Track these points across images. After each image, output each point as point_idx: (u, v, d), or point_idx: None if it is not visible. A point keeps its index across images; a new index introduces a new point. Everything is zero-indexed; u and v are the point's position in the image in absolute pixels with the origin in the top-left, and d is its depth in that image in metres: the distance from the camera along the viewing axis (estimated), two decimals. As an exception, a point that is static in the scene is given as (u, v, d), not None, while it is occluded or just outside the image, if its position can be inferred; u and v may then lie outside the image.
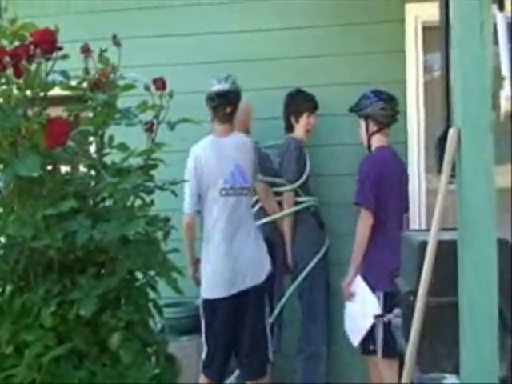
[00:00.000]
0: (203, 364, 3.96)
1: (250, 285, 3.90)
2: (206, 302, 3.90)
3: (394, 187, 4.05)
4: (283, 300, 4.44)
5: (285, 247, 4.46)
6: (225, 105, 4.02)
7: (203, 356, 3.96)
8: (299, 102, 4.55)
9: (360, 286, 3.97)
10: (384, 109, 4.11)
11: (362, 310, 3.94)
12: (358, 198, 4.01)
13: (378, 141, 4.14)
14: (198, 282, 3.98)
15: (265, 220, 4.36)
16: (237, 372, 4.10)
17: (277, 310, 4.37)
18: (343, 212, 4.61)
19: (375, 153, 4.13)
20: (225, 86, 4.02)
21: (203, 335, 3.95)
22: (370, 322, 3.83)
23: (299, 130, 4.56)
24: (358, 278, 3.98)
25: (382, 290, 3.81)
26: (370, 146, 4.18)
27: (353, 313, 4.07)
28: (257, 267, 3.97)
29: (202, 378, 3.97)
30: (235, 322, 3.90)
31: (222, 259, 3.89)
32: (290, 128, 4.59)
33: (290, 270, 4.49)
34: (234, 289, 3.87)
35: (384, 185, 3.98)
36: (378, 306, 3.83)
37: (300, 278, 4.39)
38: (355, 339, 4.03)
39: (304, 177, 4.49)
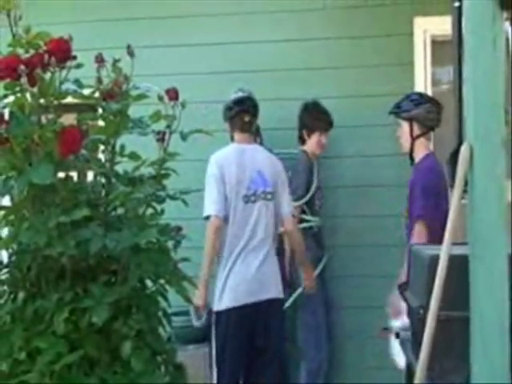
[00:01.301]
0: (219, 381, 3.83)
1: (273, 295, 3.86)
2: (224, 312, 3.80)
3: (446, 197, 3.87)
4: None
5: (284, 262, 4.41)
6: (243, 113, 3.98)
7: (216, 373, 3.84)
8: (313, 119, 4.51)
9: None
10: (431, 112, 3.95)
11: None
12: (418, 211, 3.77)
13: (421, 145, 3.96)
14: (199, 309, 3.88)
15: None
16: None
17: None
18: (341, 224, 4.63)
19: (428, 162, 3.93)
20: (243, 94, 4.02)
21: (215, 349, 3.86)
22: None
23: (310, 145, 4.53)
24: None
25: None
26: (411, 151, 3.99)
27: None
28: (278, 279, 3.95)
29: None
30: (256, 333, 3.83)
31: (247, 267, 3.81)
32: (302, 140, 4.58)
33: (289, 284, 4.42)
34: (257, 297, 3.79)
35: (441, 196, 3.84)
36: None
37: (294, 297, 4.36)
38: (402, 361, 3.76)
39: (310, 194, 4.46)
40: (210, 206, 3.82)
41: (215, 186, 3.82)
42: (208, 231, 3.81)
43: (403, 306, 3.65)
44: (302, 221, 4.44)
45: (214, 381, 3.87)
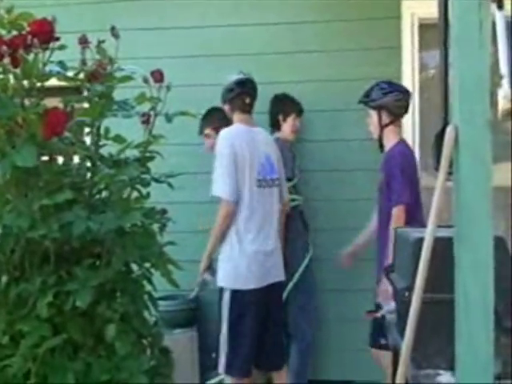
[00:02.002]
0: (230, 363, 3.76)
1: (279, 279, 3.91)
2: (238, 293, 3.74)
3: (417, 183, 4.00)
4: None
5: None
6: (244, 94, 3.95)
7: (225, 356, 3.76)
8: (287, 104, 4.54)
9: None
10: (399, 100, 3.99)
11: None
12: (397, 196, 3.79)
13: (391, 133, 4.00)
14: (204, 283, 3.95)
15: None
16: (222, 376, 3.96)
17: None
18: (331, 208, 4.64)
19: (401, 148, 3.97)
20: (243, 76, 3.99)
21: (226, 330, 3.77)
22: None
23: (286, 130, 4.53)
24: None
25: None
26: (380, 139, 4.04)
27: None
28: (281, 263, 3.98)
29: (233, 379, 3.81)
30: (265, 315, 3.83)
31: (258, 251, 3.80)
32: (276, 126, 4.57)
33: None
34: (267, 280, 3.81)
35: (415, 181, 3.92)
36: None
37: (291, 284, 4.33)
38: None
39: (297, 176, 4.49)
40: (224, 187, 3.74)
41: (228, 166, 3.74)
42: (220, 216, 3.77)
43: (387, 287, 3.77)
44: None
45: (222, 363, 3.78)
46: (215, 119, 4.38)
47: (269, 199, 3.90)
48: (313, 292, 4.50)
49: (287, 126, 4.53)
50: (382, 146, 4.07)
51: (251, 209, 3.81)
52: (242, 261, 3.78)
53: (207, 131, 4.45)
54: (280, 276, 3.93)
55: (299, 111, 4.56)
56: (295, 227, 4.44)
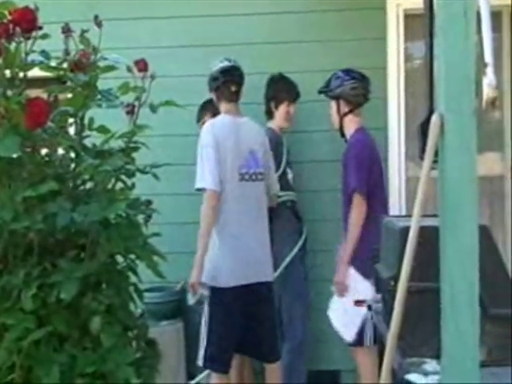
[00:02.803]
0: (209, 358, 3.73)
1: (265, 279, 3.83)
2: (218, 290, 3.71)
3: (380, 170, 4.03)
4: None
5: None
6: (230, 82, 3.89)
7: (204, 351, 3.73)
8: (280, 90, 4.46)
9: (351, 277, 3.86)
10: (355, 88, 4.01)
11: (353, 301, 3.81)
12: (354, 184, 3.84)
13: (350, 122, 4.04)
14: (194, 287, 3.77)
15: None
16: (206, 371, 3.97)
17: None
18: (322, 198, 4.64)
19: (359, 136, 4.01)
20: (229, 64, 3.93)
21: (206, 325, 3.74)
22: (363, 310, 3.61)
23: (278, 118, 4.47)
24: (350, 269, 3.86)
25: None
26: (341, 128, 4.08)
27: (342, 307, 3.93)
28: (271, 260, 3.92)
29: (216, 377, 3.78)
30: (252, 312, 3.78)
31: (239, 247, 3.74)
32: (269, 113, 4.51)
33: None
34: (249, 278, 3.74)
35: (374, 168, 3.94)
36: (371, 292, 3.65)
37: (279, 271, 4.26)
38: (350, 334, 3.90)
39: (281, 169, 4.39)
40: (207, 177, 3.67)
41: (212, 157, 3.68)
42: (205, 207, 3.69)
43: (349, 284, 3.83)
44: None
45: (200, 356, 3.76)
46: (214, 108, 4.28)
47: (252, 193, 3.82)
48: (304, 285, 4.45)
49: (279, 114, 4.47)
50: (343, 135, 4.10)
51: (233, 203, 3.74)
52: (222, 257, 3.72)
53: (206, 119, 4.36)
54: (266, 275, 3.85)
55: (293, 98, 4.47)
56: (280, 223, 4.36)
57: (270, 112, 4.50)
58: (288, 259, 4.30)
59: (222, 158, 3.71)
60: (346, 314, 3.93)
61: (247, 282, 3.73)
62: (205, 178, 3.68)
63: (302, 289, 4.41)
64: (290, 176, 4.48)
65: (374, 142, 4.11)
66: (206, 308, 3.77)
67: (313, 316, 4.50)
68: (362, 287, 3.76)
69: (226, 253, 3.73)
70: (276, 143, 4.37)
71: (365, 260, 3.56)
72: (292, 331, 4.36)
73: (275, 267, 4.18)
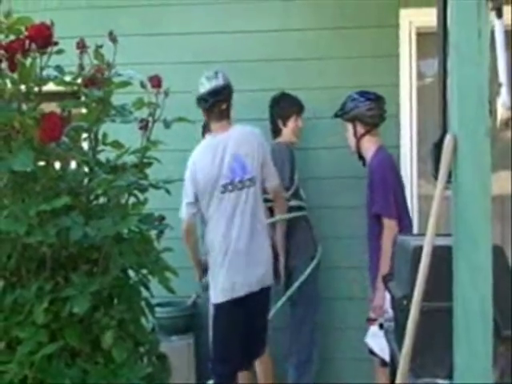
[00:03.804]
0: (213, 368, 3.89)
1: (266, 284, 3.87)
2: (222, 304, 3.80)
3: (403, 191, 4.01)
4: (278, 305, 4.33)
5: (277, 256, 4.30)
6: (220, 102, 3.90)
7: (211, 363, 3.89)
8: (285, 106, 4.47)
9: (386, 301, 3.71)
10: (371, 109, 3.99)
11: None
12: (381, 208, 3.81)
13: (368, 142, 4.00)
14: (205, 286, 3.98)
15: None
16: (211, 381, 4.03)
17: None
18: (330, 215, 4.63)
19: (381, 157, 3.95)
20: (217, 83, 3.89)
21: (211, 339, 3.89)
22: None
23: (287, 134, 4.46)
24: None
25: None
26: (359, 150, 4.05)
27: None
28: (269, 265, 3.93)
29: None
30: (248, 320, 3.85)
31: (236, 259, 3.79)
32: (277, 132, 4.51)
33: (280, 279, 4.31)
34: (250, 288, 3.79)
35: (399, 190, 3.92)
36: None
37: (294, 287, 4.28)
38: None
39: (295, 183, 4.39)
40: (183, 208, 3.86)
41: (188, 187, 3.84)
42: (182, 236, 3.87)
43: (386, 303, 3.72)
44: (291, 210, 4.35)
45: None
46: None
47: (240, 201, 3.82)
48: (316, 302, 4.42)
49: (288, 130, 4.46)
50: (361, 157, 4.07)
51: (221, 217, 3.82)
52: (220, 273, 3.81)
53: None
54: (266, 282, 3.87)
55: (299, 110, 4.48)
56: (301, 236, 4.38)
57: (278, 130, 4.49)
58: (303, 278, 4.29)
59: (199, 180, 3.83)
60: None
61: (244, 293, 3.78)
62: (182, 207, 3.87)
63: (313, 304, 4.39)
64: (301, 191, 4.48)
65: (394, 160, 4.09)
66: (210, 323, 3.89)
67: (322, 333, 4.48)
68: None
69: (219, 269, 3.82)
70: (288, 156, 4.37)
71: None
72: (299, 346, 4.34)
73: (290, 281, 4.25)
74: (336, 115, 4.11)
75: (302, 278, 4.28)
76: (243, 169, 3.85)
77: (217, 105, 3.90)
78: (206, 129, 4.44)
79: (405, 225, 3.88)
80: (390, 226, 3.80)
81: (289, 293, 4.29)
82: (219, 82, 3.89)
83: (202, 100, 3.93)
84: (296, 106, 4.47)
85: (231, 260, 3.79)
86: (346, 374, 4.61)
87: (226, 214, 3.82)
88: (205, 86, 3.90)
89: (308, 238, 4.42)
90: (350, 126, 4.06)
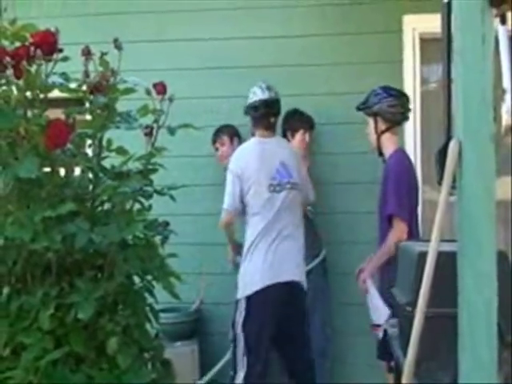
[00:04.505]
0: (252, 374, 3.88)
1: (298, 278, 3.97)
2: (255, 294, 3.86)
3: (417, 197, 3.97)
4: None
5: None
6: (270, 114, 4.08)
7: (245, 370, 3.87)
8: (295, 120, 4.58)
9: (374, 297, 3.82)
10: (393, 106, 3.92)
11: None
12: (394, 209, 3.76)
13: (388, 141, 3.95)
14: (236, 265, 4.17)
15: None
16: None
17: None
18: (342, 220, 4.64)
19: (398, 158, 3.92)
20: (271, 95, 4.07)
21: (245, 336, 3.89)
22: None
23: (295, 145, 4.54)
24: (374, 291, 3.84)
25: None
26: (379, 147, 3.99)
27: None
28: (302, 265, 4.06)
29: None
30: (283, 314, 3.91)
31: (279, 250, 3.93)
32: None
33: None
34: (282, 277, 3.89)
35: (412, 194, 3.88)
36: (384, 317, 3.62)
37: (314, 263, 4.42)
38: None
39: None
40: (225, 199, 4.00)
41: (231, 181, 3.98)
42: (220, 224, 4.09)
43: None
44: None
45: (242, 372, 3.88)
46: (231, 131, 4.58)
47: (286, 202, 3.99)
48: (322, 298, 4.49)
49: (295, 142, 4.55)
50: (381, 154, 4.02)
51: (265, 213, 3.95)
52: (254, 267, 3.91)
53: (224, 138, 4.59)
54: (297, 276, 3.97)
55: (309, 126, 4.57)
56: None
57: (287, 140, 4.55)
58: (310, 266, 4.37)
59: (247, 177, 3.96)
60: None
61: (283, 280, 3.88)
62: (225, 199, 4.01)
63: (322, 300, 4.47)
64: None
65: (413, 164, 4.06)
66: (240, 319, 3.90)
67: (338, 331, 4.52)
68: (377, 310, 3.73)
69: (259, 262, 3.91)
70: None
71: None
72: (314, 340, 4.36)
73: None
74: (358, 108, 4.05)
75: (308, 267, 4.36)
76: (289, 173, 4.04)
77: (267, 116, 4.07)
78: (218, 134, 4.58)
79: (412, 234, 3.82)
80: (400, 227, 3.75)
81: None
82: (273, 95, 4.09)
83: (253, 108, 4.09)
84: (306, 122, 4.58)
85: (276, 248, 3.93)
86: (358, 379, 4.61)
87: (274, 210, 3.96)
88: (258, 95, 4.07)
89: (310, 241, 4.44)
90: (371, 121, 3.99)
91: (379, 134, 3.97)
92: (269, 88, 4.09)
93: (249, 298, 3.87)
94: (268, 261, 3.89)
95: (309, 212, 4.53)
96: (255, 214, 3.97)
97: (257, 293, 3.85)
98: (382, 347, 3.74)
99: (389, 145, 3.96)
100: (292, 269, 3.94)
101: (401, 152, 3.99)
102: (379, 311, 3.71)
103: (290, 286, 3.91)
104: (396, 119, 3.97)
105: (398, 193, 3.78)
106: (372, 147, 4.07)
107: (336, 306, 4.53)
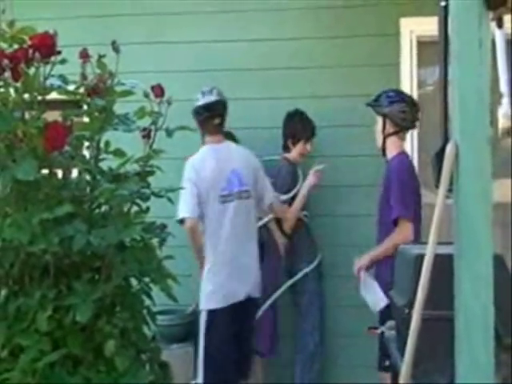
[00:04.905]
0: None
1: (254, 295, 4.01)
2: (211, 312, 3.91)
3: (419, 196, 3.94)
4: (278, 293, 4.48)
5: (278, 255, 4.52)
6: (212, 117, 4.06)
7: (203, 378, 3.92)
8: (297, 128, 4.56)
9: (372, 285, 3.83)
10: (404, 111, 3.90)
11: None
12: (400, 210, 3.71)
13: (393, 144, 3.93)
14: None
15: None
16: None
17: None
18: (342, 223, 4.66)
19: (402, 160, 3.90)
20: (210, 98, 4.06)
21: (203, 349, 3.94)
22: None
23: (294, 153, 4.59)
24: (370, 280, 3.85)
25: None
26: (383, 147, 3.98)
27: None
28: (258, 279, 4.06)
29: None
30: (236, 331, 3.94)
31: (235, 264, 3.94)
32: (286, 148, 4.63)
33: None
34: (237, 297, 3.92)
35: (415, 194, 3.86)
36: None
37: (294, 279, 4.45)
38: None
39: (296, 190, 4.51)
40: (183, 208, 3.90)
41: (189, 190, 3.88)
42: (187, 234, 3.93)
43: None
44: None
45: (200, 380, 3.94)
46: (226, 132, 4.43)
47: (239, 212, 3.98)
48: (317, 304, 4.52)
49: (296, 151, 4.58)
50: (384, 154, 4.01)
51: (217, 225, 3.95)
52: (214, 280, 3.92)
53: None
54: (254, 292, 4.02)
55: (310, 135, 4.57)
56: (297, 237, 4.53)
57: (287, 147, 4.62)
58: (305, 271, 4.44)
59: (201, 186, 3.94)
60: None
61: (234, 301, 3.90)
62: (181, 208, 3.90)
63: (315, 303, 4.50)
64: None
65: (415, 168, 4.04)
66: (201, 330, 3.93)
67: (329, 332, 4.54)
68: (374, 296, 3.76)
69: (212, 275, 3.93)
70: (288, 172, 4.53)
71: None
72: (302, 343, 4.47)
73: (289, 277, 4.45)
74: (368, 105, 4.03)
75: (299, 275, 4.45)
76: (240, 181, 4.01)
77: (210, 119, 4.06)
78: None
79: (415, 237, 3.78)
80: (406, 229, 3.70)
81: (290, 283, 4.47)
82: (213, 97, 4.07)
83: (196, 113, 4.10)
84: (306, 130, 4.56)
85: (233, 264, 3.94)
86: (349, 380, 4.62)
87: (227, 222, 3.94)
88: (199, 101, 4.08)
89: (306, 245, 4.55)
90: (380, 120, 3.97)
91: (385, 136, 3.96)
92: (211, 91, 4.09)
93: (209, 312, 3.92)
94: (225, 278, 3.93)
95: (304, 217, 4.55)
96: (209, 225, 3.97)
97: (216, 310, 3.89)
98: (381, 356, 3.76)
99: (393, 148, 3.96)
100: (249, 285, 3.98)
101: (404, 155, 3.99)
102: (376, 297, 3.73)
103: (246, 305, 3.97)
104: (404, 125, 3.96)
105: (403, 194, 3.76)
106: (378, 147, 4.04)
107: (335, 308, 4.55)
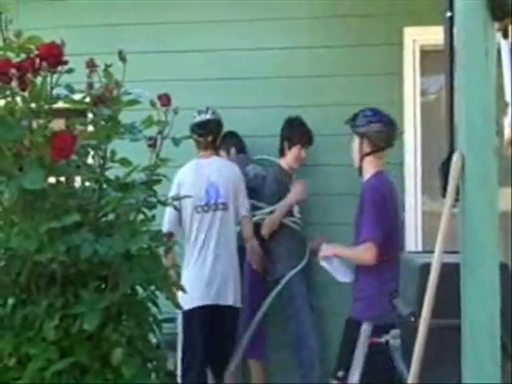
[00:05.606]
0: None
1: (229, 302, 4.18)
2: (185, 313, 3.96)
3: (396, 217, 3.90)
4: (267, 301, 4.52)
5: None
6: (205, 134, 4.30)
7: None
8: (295, 133, 4.61)
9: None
10: (381, 131, 3.85)
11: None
12: (368, 233, 3.69)
13: (369, 164, 3.87)
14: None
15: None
16: None
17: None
18: (334, 231, 4.64)
19: (375, 182, 3.84)
20: (205, 117, 4.31)
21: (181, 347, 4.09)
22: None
23: (289, 158, 4.64)
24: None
25: (370, 322, 3.54)
26: (360, 167, 3.92)
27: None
28: (236, 288, 4.25)
29: None
30: (211, 333, 4.12)
31: (199, 271, 4.16)
32: (282, 152, 4.67)
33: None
34: (209, 299, 4.13)
35: (389, 216, 3.78)
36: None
37: (284, 280, 4.47)
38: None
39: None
40: (166, 225, 4.10)
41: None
42: None
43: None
44: (282, 226, 4.57)
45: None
46: (228, 142, 4.66)
47: (214, 222, 4.24)
48: (306, 310, 4.53)
49: (291, 155, 4.61)
50: (361, 174, 3.96)
51: (194, 235, 4.23)
52: (188, 282, 3.96)
53: (221, 153, 4.66)
54: (229, 300, 4.19)
55: (307, 142, 4.61)
56: (283, 243, 4.60)
57: (283, 150, 4.65)
58: (293, 272, 4.49)
59: (182, 201, 4.11)
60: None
61: (203, 304, 4.10)
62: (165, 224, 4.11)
63: (304, 305, 4.52)
64: (295, 209, 4.63)
65: (393, 187, 3.98)
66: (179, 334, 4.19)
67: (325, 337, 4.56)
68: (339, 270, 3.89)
69: (188, 279, 4.08)
70: (281, 180, 4.60)
71: (374, 301, 3.61)
72: (301, 342, 4.50)
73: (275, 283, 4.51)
74: (346, 123, 3.99)
75: (285, 280, 4.48)
76: (217, 194, 4.28)
77: (203, 137, 4.30)
78: (221, 144, 4.63)
79: (392, 247, 3.74)
80: (369, 251, 3.69)
81: (277, 290, 4.49)
82: (207, 116, 4.34)
83: (191, 130, 4.28)
84: (304, 136, 4.61)
85: (209, 271, 4.18)
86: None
87: (203, 232, 4.23)
88: (195, 119, 4.33)
89: (284, 251, 4.60)
90: (356, 139, 3.92)
91: (362, 156, 3.90)
92: (206, 110, 4.36)
93: (184, 313, 4.01)
94: (202, 282, 4.14)
95: (292, 223, 4.57)
96: (187, 235, 4.25)
97: (190, 311, 3.99)
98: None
99: (369, 168, 3.89)
100: (225, 293, 4.17)
101: (379, 175, 3.90)
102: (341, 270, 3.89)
103: (224, 312, 4.17)
104: (381, 145, 3.89)
105: (374, 216, 3.72)
106: (355, 166, 3.99)
107: (330, 316, 4.59)
